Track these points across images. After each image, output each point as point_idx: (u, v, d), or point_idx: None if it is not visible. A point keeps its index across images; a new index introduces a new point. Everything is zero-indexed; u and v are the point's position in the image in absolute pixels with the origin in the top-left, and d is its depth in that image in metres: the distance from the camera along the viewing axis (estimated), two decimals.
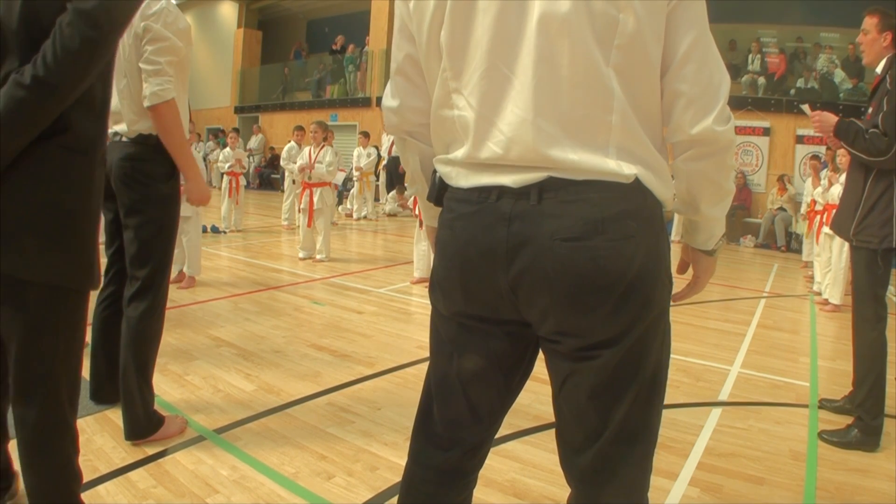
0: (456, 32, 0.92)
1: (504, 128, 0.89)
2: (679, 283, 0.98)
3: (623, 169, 0.87)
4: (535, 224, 0.87)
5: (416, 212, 5.13)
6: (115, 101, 2.15)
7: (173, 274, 4.53)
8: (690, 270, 1.13)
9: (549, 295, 0.88)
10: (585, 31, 0.84)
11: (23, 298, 1.29)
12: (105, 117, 1.40)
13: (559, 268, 0.86)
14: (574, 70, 0.85)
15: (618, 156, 0.87)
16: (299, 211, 6.26)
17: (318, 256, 6.08)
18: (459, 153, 0.96)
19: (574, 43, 0.84)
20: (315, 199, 5.97)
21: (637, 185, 0.88)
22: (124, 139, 2.14)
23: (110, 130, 2.20)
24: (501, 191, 0.90)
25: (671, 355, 1.00)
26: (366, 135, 10.19)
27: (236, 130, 9.70)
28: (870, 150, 2.32)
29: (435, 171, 1.04)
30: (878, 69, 2.44)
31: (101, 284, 1.43)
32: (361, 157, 9.74)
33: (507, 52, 0.88)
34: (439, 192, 1.02)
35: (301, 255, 6.14)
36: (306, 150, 6.18)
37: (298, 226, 7.98)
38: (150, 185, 2.11)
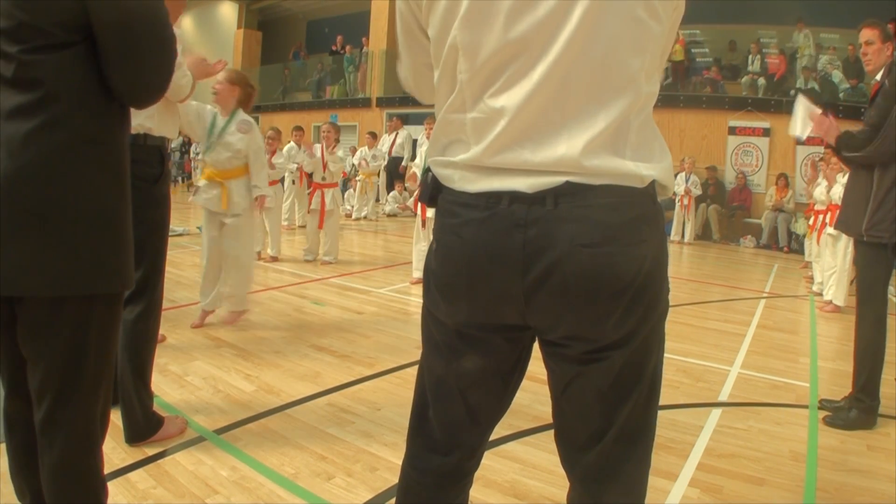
0: (475, 32, 0.87)
1: (528, 130, 0.87)
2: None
3: (641, 170, 0.87)
4: (554, 229, 0.85)
5: (417, 211, 5.11)
6: None
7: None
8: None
9: (567, 300, 0.87)
10: (624, 37, 0.84)
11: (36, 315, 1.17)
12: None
13: (579, 273, 0.85)
14: (609, 75, 0.85)
15: (633, 156, 0.88)
16: (308, 212, 6.11)
17: (325, 258, 5.95)
18: (464, 155, 0.92)
19: (611, 49, 0.84)
20: (327, 199, 5.79)
21: (648, 188, 0.89)
22: None
23: None
24: (513, 196, 0.87)
25: (667, 355, 1.01)
26: (373, 135, 10.19)
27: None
28: (864, 146, 2.47)
29: (427, 171, 1.01)
30: (878, 77, 2.56)
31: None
32: (367, 157, 9.72)
33: (538, 55, 0.85)
34: (433, 192, 0.99)
35: (308, 257, 6.03)
36: (317, 149, 5.98)
37: (299, 226, 7.99)
38: (140, 186, 2.05)
